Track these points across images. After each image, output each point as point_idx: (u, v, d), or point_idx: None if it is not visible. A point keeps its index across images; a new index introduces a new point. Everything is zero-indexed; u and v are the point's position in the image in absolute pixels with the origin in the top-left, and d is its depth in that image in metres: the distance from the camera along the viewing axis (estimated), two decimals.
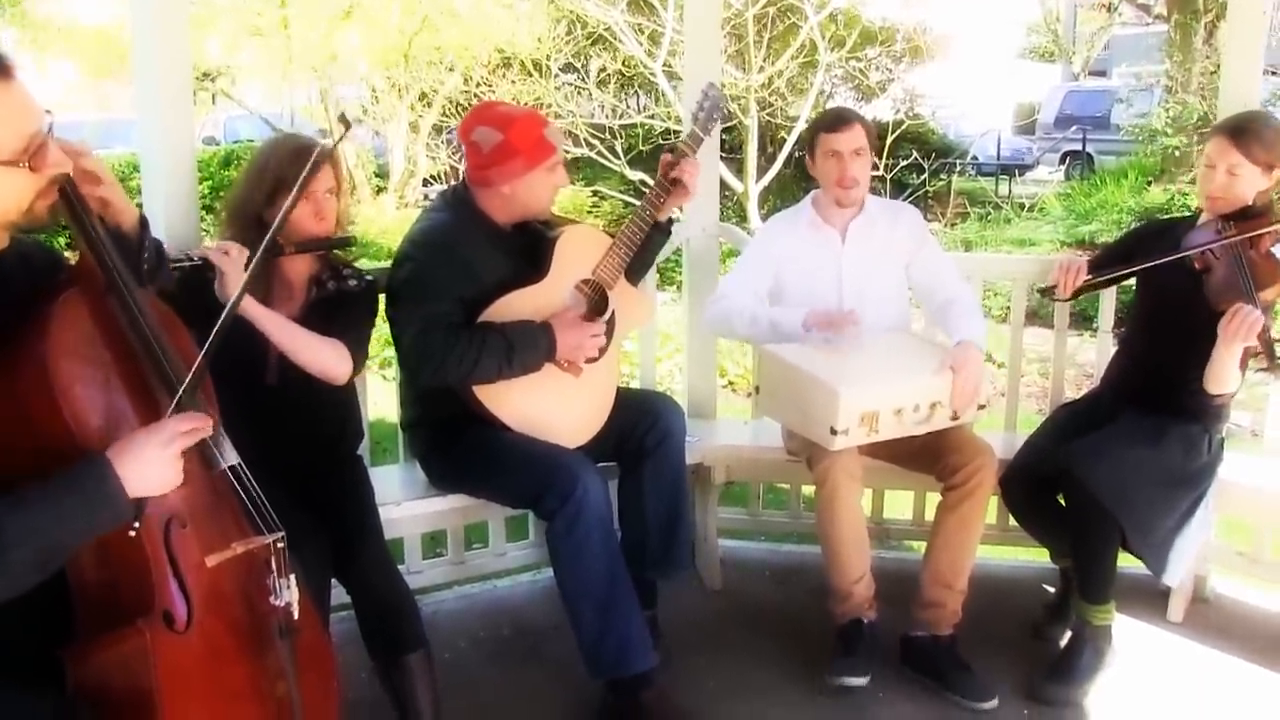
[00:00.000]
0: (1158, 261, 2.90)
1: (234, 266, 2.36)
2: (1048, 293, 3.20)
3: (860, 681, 2.87)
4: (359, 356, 2.65)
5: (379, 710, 2.59)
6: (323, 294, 2.64)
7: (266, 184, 2.52)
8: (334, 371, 2.56)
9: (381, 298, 2.80)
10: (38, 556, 1.52)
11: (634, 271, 3.04)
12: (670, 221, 3.07)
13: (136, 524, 1.65)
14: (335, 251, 2.71)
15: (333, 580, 2.49)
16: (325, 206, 2.57)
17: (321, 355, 2.53)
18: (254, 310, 2.41)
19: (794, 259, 3.17)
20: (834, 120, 3.10)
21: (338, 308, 2.64)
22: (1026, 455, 3.10)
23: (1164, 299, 2.90)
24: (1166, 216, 3.34)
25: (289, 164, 2.47)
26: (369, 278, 2.75)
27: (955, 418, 2.92)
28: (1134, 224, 3.32)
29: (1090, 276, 3.10)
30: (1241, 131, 2.86)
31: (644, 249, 2.99)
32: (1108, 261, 3.18)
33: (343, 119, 2.01)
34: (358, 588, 2.51)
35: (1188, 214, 3.40)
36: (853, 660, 2.90)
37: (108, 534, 1.64)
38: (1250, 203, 2.87)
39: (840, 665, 2.90)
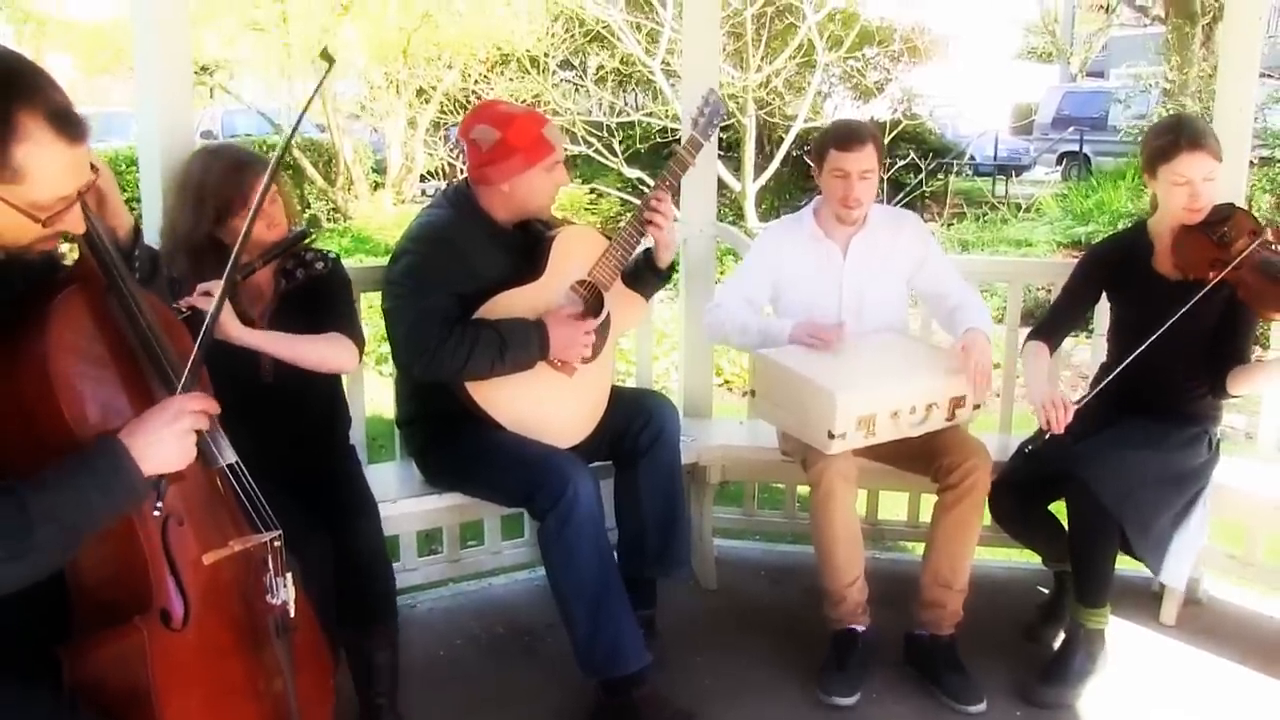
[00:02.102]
0: (1185, 309, 2.81)
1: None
2: (1038, 440, 2.91)
3: (849, 701, 2.87)
4: (359, 339, 2.68)
5: None
6: (293, 285, 2.64)
7: (209, 207, 2.49)
8: (345, 364, 2.63)
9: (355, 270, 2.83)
10: (60, 537, 1.54)
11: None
12: (672, 267, 3.06)
13: (159, 504, 1.67)
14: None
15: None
16: (274, 214, 2.55)
17: (328, 355, 2.57)
18: (253, 338, 2.42)
19: (794, 269, 3.17)
20: (846, 137, 3.03)
21: (313, 296, 2.64)
22: (1019, 464, 3.10)
23: (1154, 311, 2.90)
24: (1110, 240, 3.25)
25: (229, 182, 2.48)
26: (331, 255, 2.75)
27: (951, 418, 2.93)
28: (1081, 256, 3.21)
29: (1083, 397, 2.96)
30: (1204, 137, 2.87)
31: (640, 285, 3.03)
32: (1074, 304, 3.19)
33: (324, 54, 1.96)
34: (346, 551, 2.50)
35: (1123, 231, 3.38)
36: (844, 675, 2.90)
37: (119, 522, 1.65)
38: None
39: (832, 683, 2.90)
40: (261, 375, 2.56)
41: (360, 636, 2.57)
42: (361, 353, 2.69)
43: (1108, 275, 3.13)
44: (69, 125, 1.55)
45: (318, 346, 2.54)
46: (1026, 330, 3.29)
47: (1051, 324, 3.19)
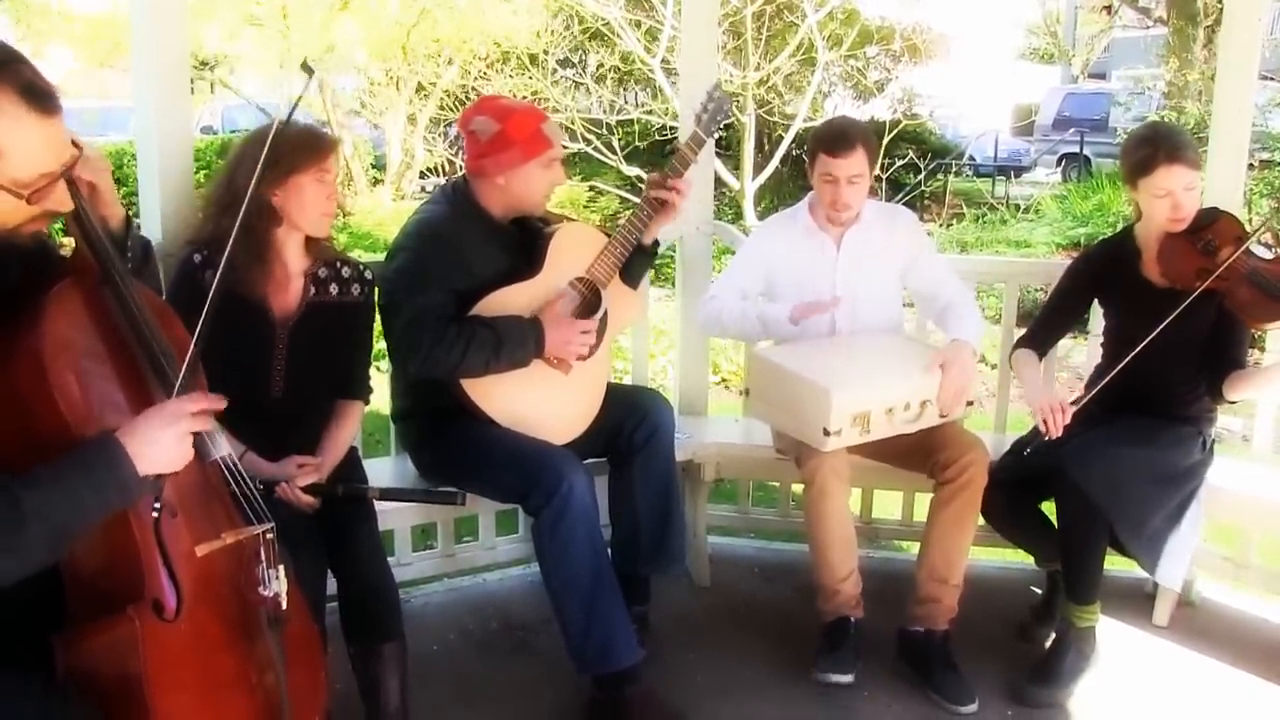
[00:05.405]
0: (1173, 317, 2.80)
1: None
2: (1034, 440, 2.92)
3: (845, 679, 2.89)
4: (367, 396, 2.76)
5: None
6: (321, 298, 2.59)
7: (279, 176, 2.42)
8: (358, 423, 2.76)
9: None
10: (51, 534, 1.54)
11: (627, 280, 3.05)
12: (656, 244, 3.05)
13: (158, 503, 1.68)
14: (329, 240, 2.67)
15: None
16: (335, 188, 2.54)
17: (352, 435, 2.72)
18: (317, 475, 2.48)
19: (788, 263, 3.18)
20: (835, 141, 3.01)
21: (336, 321, 2.62)
22: (1010, 462, 3.10)
23: (1143, 317, 2.89)
24: (1096, 247, 3.26)
25: (303, 153, 2.44)
26: (368, 276, 2.70)
27: (945, 415, 2.93)
28: (1069, 264, 3.19)
29: (1078, 398, 2.97)
30: (1182, 149, 2.85)
31: (629, 268, 3.00)
32: (1063, 312, 3.19)
33: (305, 66, 1.96)
34: (348, 570, 2.52)
35: (1110, 238, 3.37)
36: (838, 656, 2.92)
37: (116, 514, 1.66)
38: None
39: (826, 662, 2.91)
40: (271, 390, 2.55)
41: (368, 655, 2.56)
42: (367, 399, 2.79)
43: (1095, 283, 3.13)
44: (40, 98, 1.55)
45: (349, 436, 2.69)
46: (1023, 331, 3.29)
47: (1039, 332, 3.19)
